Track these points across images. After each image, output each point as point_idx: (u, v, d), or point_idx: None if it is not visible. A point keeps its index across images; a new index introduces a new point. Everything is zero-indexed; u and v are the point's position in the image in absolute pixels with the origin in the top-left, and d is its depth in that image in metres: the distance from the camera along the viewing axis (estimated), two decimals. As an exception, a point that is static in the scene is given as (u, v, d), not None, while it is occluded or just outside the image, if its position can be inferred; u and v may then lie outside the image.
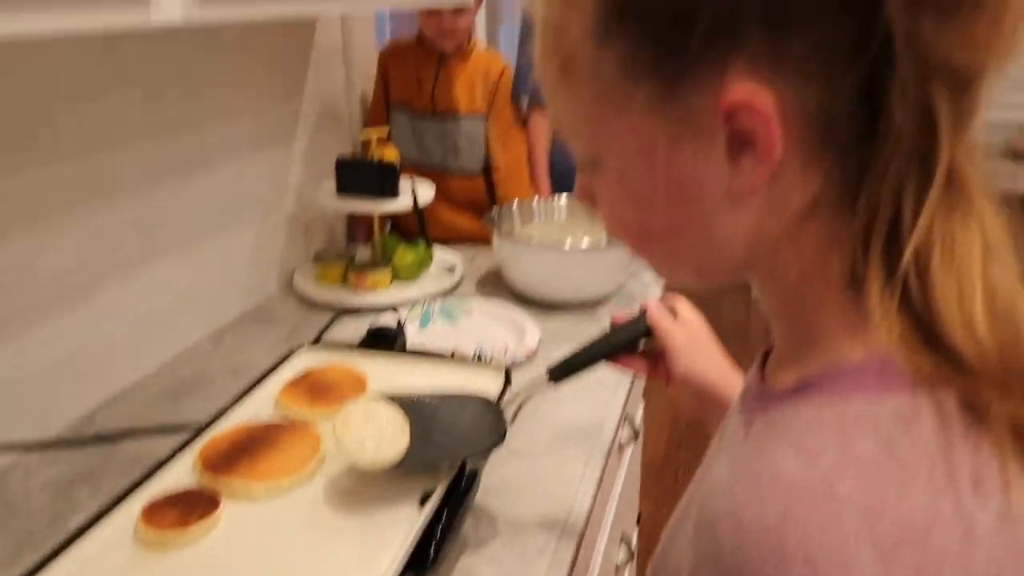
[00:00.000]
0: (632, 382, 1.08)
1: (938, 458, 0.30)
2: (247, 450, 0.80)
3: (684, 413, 2.61)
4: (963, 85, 0.32)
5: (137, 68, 1.02)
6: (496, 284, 1.39)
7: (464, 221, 1.62)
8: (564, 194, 1.48)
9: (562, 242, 1.29)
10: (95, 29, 0.53)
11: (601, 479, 0.88)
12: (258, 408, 0.90)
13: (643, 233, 0.42)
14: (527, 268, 1.29)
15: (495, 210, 1.41)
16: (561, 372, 0.74)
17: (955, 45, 0.31)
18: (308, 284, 1.35)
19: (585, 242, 1.29)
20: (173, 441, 0.83)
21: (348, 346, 1.04)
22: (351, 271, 1.32)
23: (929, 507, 0.29)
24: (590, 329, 1.22)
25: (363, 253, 1.42)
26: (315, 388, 0.92)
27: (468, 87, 1.55)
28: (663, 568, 0.44)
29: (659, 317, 0.71)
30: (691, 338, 0.70)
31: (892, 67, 0.31)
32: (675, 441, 2.57)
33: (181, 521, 0.70)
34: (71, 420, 0.97)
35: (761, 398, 0.41)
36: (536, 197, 1.47)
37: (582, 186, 0.44)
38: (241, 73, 1.23)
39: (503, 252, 1.31)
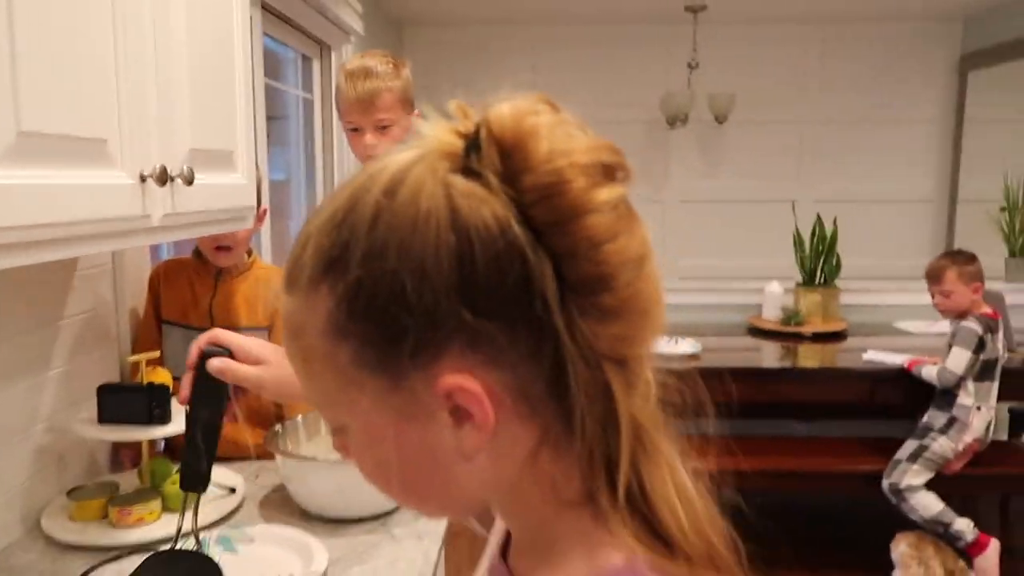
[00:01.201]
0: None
1: None
2: None
3: None
4: (624, 363, 0.43)
5: None
6: (282, 503, 1.32)
7: (247, 435, 1.54)
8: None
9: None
10: None
11: None
12: None
13: (393, 486, 0.47)
14: (313, 486, 1.25)
15: (278, 425, 1.37)
16: (193, 480, 0.77)
17: (609, 343, 0.42)
18: (60, 525, 1.19)
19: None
20: None
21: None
22: (112, 506, 1.19)
23: None
24: (383, 543, 1.18)
25: (129, 482, 1.30)
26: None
27: (249, 301, 1.54)
28: None
29: (223, 367, 0.75)
30: (266, 363, 0.76)
31: (565, 357, 0.41)
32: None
33: None
34: None
35: None
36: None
37: (338, 443, 0.49)
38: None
39: (287, 470, 1.26)
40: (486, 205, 0.40)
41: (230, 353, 0.76)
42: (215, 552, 1.14)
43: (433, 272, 0.39)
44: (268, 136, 2.49)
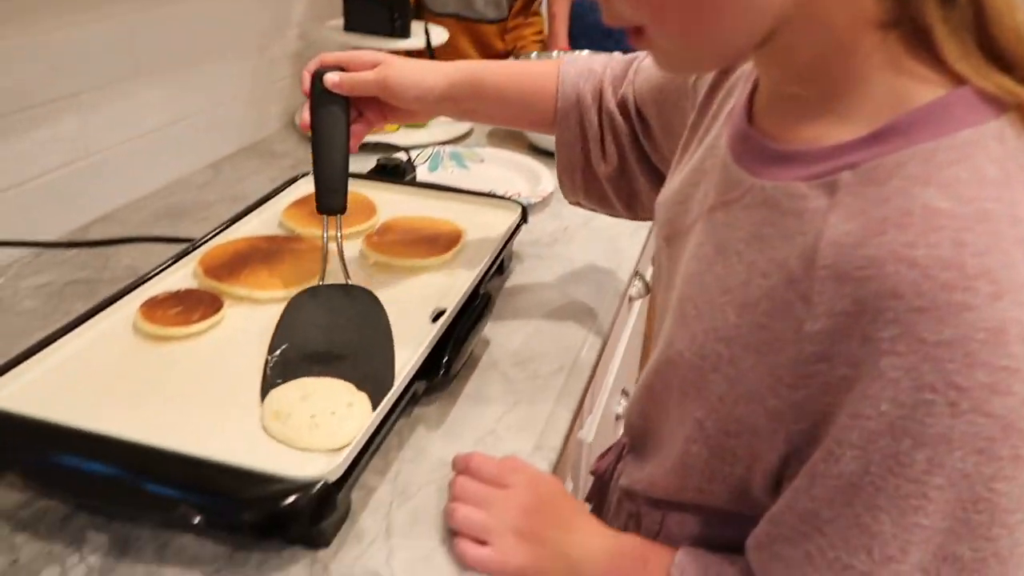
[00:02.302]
0: (648, 234, 1.04)
1: None
2: (250, 261, 0.77)
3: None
4: None
5: None
6: (509, 136, 1.32)
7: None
8: (585, 52, 1.40)
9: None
10: None
11: (612, 324, 0.86)
12: (261, 226, 0.86)
13: (673, 19, 0.41)
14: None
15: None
16: (329, 201, 0.71)
17: None
18: (311, 123, 1.28)
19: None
20: (172, 251, 0.79)
21: (356, 175, 0.99)
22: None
23: None
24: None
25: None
26: (322, 209, 0.88)
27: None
28: (719, 359, 0.44)
29: (339, 79, 0.70)
30: (381, 62, 0.71)
31: None
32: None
33: (183, 318, 0.67)
34: (59, 235, 0.92)
35: (783, 156, 0.42)
36: (554, 51, 1.39)
37: None
38: None
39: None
40: None
41: (342, 71, 0.71)
42: (449, 165, 1.19)
43: None
44: None
